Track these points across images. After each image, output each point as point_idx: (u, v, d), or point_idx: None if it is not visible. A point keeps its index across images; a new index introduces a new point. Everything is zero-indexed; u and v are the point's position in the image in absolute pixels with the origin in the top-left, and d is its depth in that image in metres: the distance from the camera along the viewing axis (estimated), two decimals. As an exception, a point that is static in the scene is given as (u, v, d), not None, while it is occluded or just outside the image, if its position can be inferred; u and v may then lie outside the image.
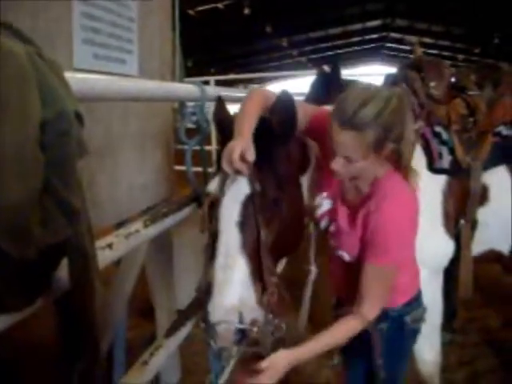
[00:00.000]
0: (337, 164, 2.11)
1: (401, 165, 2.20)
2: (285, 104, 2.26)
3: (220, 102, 2.50)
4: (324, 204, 2.40)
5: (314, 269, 2.60)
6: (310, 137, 2.47)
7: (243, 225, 2.12)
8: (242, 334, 2.06)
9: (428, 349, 3.32)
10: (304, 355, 2.12)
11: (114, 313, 3.68)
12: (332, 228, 2.36)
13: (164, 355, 2.56)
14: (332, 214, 2.37)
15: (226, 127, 2.35)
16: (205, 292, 2.14)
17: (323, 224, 2.42)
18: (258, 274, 2.12)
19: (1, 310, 1.31)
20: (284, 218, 2.24)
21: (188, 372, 4.50)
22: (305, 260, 2.68)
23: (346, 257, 2.30)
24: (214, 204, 2.22)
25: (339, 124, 2.02)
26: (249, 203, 2.13)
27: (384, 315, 2.30)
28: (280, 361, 2.05)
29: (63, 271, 1.53)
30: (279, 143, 2.26)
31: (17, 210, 1.14)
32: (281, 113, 2.25)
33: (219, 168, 2.24)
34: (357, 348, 2.34)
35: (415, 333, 2.55)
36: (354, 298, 2.25)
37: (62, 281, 1.55)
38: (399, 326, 2.42)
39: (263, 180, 2.15)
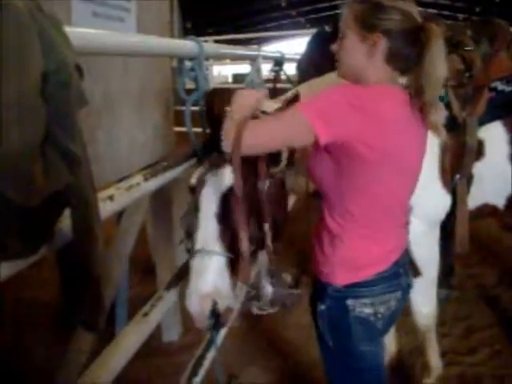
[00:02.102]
0: (335, 45, 2.15)
1: (422, 103, 2.08)
2: None
3: (212, 95, 2.50)
4: None
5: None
6: None
7: (221, 216, 2.19)
8: (216, 319, 2.17)
9: (425, 301, 3.37)
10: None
11: (116, 269, 3.72)
12: None
13: (165, 307, 2.60)
14: None
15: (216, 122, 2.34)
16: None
17: None
18: (234, 264, 2.20)
19: (5, 257, 1.34)
20: (264, 208, 2.29)
21: (188, 329, 4.56)
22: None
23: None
24: (195, 193, 2.29)
25: (345, 3, 2.12)
26: (227, 196, 2.20)
27: (324, 293, 2.22)
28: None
29: (65, 222, 1.56)
30: None
31: (19, 158, 1.17)
32: None
33: (203, 158, 2.31)
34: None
35: (370, 327, 2.22)
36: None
37: (64, 231, 1.58)
38: (341, 310, 2.19)
39: (245, 173, 2.15)
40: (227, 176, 2.20)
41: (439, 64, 2.02)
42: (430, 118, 2.08)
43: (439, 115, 2.09)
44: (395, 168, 2.07)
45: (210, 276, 2.14)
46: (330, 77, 2.61)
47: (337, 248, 2.16)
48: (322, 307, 2.22)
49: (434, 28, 2.02)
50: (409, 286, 2.36)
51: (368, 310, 2.17)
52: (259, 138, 2.02)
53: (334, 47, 2.16)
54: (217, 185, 2.22)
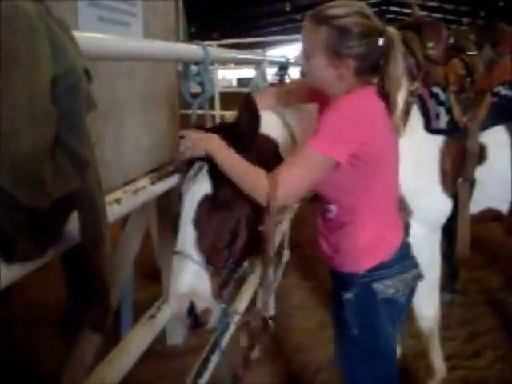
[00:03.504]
0: (298, 58, 2.29)
1: (390, 109, 2.20)
2: (249, 107, 2.37)
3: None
4: None
5: (287, 252, 2.65)
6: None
7: (198, 222, 2.25)
8: (195, 319, 2.23)
9: (427, 305, 3.38)
10: (223, 153, 2.24)
11: (121, 273, 3.73)
12: None
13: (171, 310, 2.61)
14: None
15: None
16: None
17: None
18: (213, 268, 2.25)
19: (14, 259, 1.35)
20: (238, 218, 2.34)
21: (193, 332, 4.57)
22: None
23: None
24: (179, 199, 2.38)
25: (307, 17, 2.17)
26: (206, 203, 2.27)
27: (349, 283, 2.32)
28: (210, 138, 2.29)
29: (72, 225, 1.57)
30: (243, 147, 2.34)
31: (30, 160, 1.18)
32: (246, 116, 2.36)
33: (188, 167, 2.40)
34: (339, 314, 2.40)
35: (394, 305, 2.38)
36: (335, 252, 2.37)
37: (72, 233, 1.59)
38: (368, 296, 2.32)
39: (220, 182, 2.27)
40: (204, 184, 2.29)
41: (401, 67, 2.18)
42: (393, 117, 2.21)
43: (399, 115, 2.25)
44: (388, 161, 2.25)
45: (187, 277, 2.20)
46: None
47: (354, 239, 2.29)
48: (349, 296, 2.31)
49: (394, 32, 2.16)
50: (418, 265, 2.49)
51: (391, 290, 2.32)
52: (290, 191, 2.16)
53: (299, 61, 2.24)
54: (195, 193, 2.29)
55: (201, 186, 2.29)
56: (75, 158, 1.34)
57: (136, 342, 2.39)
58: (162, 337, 4.28)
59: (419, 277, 2.47)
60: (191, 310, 2.21)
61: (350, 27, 2.06)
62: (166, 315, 2.61)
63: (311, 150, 2.08)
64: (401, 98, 2.21)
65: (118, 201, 2.01)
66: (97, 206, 1.53)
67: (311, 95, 2.49)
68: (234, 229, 2.33)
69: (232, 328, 3.42)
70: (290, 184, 2.12)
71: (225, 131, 2.38)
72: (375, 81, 2.24)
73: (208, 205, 2.27)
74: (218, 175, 2.25)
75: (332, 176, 2.15)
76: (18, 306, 4.60)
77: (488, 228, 6.00)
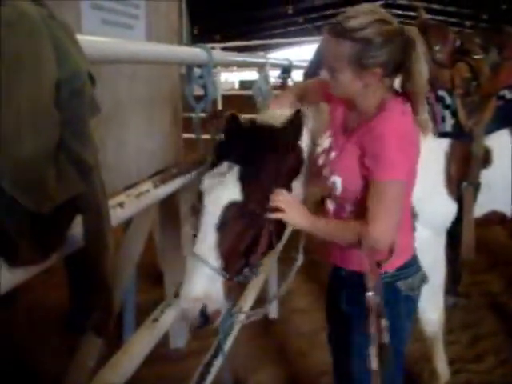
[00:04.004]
0: (323, 73, 2.23)
1: (414, 107, 2.21)
2: (298, 121, 2.42)
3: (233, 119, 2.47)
4: (325, 142, 2.43)
5: (301, 257, 2.64)
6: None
7: (221, 228, 2.24)
8: (206, 319, 2.24)
9: (432, 308, 3.37)
10: (312, 222, 2.29)
11: (123, 276, 3.73)
12: (328, 159, 2.36)
13: (174, 313, 2.61)
14: (331, 147, 2.38)
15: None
16: None
17: (320, 162, 2.41)
18: (228, 272, 2.26)
19: (17, 263, 1.35)
20: (260, 228, 2.33)
21: (195, 335, 4.57)
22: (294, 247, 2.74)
23: (338, 184, 2.26)
24: (200, 200, 2.35)
25: (326, 30, 2.12)
26: (231, 209, 2.24)
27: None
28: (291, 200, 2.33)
29: (76, 229, 1.57)
30: (278, 159, 2.36)
31: (33, 165, 1.18)
32: (294, 128, 2.41)
33: (215, 160, 2.38)
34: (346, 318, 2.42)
35: (412, 302, 2.45)
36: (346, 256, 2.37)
37: (75, 237, 1.59)
38: (393, 294, 2.34)
39: (251, 191, 2.26)
40: (233, 191, 2.25)
41: (424, 64, 2.16)
42: (420, 117, 2.21)
43: (426, 114, 2.25)
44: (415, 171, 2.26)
45: (202, 281, 2.20)
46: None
47: None
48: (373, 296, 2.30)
49: (413, 30, 2.15)
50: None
51: (412, 287, 2.39)
52: (393, 221, 2.16)
53: (323, 75, 2.22)
54: (220, 196, 2.25)
55: (228, 191, 2.25)
56: (79, 162, 1.34)
57: (139, 345, 2.38)
58: (164, 340, 4.27)
59: (425, 278, 2.48)
60: (202, 311, 2.22)
61: (373, 38, 2.04)
62: (169, 318, 2.60)
63: (387, 182, 2.10)
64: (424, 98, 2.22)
65: (121, 205, 2.01)
66: (101, 210, 1.53)
67: (326, 95, 2.48)
68: (254, 238, 2.32)
69: (235, 331, 3.41)
70: (386, 222, 2.13)
71: (267, 135, 2.37)
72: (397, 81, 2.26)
73: (234, 212, 2.24)
74: (248, 182, 2.25)
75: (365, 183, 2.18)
76: (20, 309, 4.60)
77: (491, 231, 6.00)
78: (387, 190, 2.10)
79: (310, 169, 2.54)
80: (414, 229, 2.52)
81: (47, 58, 1.22)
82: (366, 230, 2.11)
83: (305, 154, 2.57)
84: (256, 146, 2.31)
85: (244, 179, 2.25)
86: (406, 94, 2.21)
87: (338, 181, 2.25)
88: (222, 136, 2.47)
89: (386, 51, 2.06)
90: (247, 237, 2.29)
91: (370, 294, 2.21)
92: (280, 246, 2.48)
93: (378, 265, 2.21)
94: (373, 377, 2.20)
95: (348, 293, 2.46)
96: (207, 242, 2.23)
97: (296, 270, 2.64)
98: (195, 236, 2.32)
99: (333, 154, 2.32)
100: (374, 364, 2.20)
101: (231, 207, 2.24)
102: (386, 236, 2.14)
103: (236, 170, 2.26)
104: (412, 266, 2.40)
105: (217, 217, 2.24)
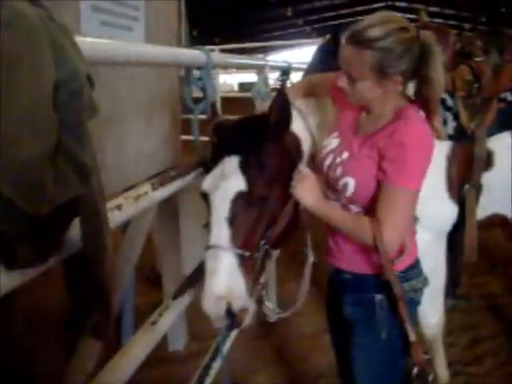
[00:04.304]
0: (341, 81, 2.20)
1: (429, 113, 2.22)
2: (282, 104, 2.35)
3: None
4: (332, 142, 2.41)
5: (311, 255, 2.63)
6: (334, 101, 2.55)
7: (232, 220, 2.22)
8: (232, 319, 2.20)
9: (432, 311, 3.37)
10: (321, 205, 2.28)
11: (122, 278, 3.73)
12: (338, 160, 2.34)
13: (172, 316, 2.60)
14: (340, 148, 2.36)
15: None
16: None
17: (327, 162, 2.39)
18: (247, 266, 2.23)
19: (15, 266, 1.34)
20: (274, 213, 2.32)
21: (194, 337, 4.57)
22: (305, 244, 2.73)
23: (350, 185, 2.25)
24: (207, 198, 2.34)
25: (345, 39, 2.12)
26: (238, 200, 2.23)
27: (378, 284, 2.29)
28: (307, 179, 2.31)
29: (74, 231, 1.56)
30: (273, 142, 2.35)
31: (31, 167, 1.17)
32: (278, 113, 2.34)
33: (212, 163, 2.37)
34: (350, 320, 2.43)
35: (414, 304, 2.44)
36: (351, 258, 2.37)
37: (73, 240, 1.58)
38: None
39: (254, 178, 2.25)
40: (237, 181, 2.24)
41: (440, 69, 2.17)
42: (435, 124, 2.23)
43: (440, 120, 2.24)
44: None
45: (224, 278, 2.17)
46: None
47: None
48: (379, 297, 2.31)
49: (429, 35, 2.16)
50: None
51: (415, 290, 2.39)
52: (403, 228, 2.18)
53: (342, 85, 2.20)
54: (227, 190, 2.24)
55: (233, 183, 2.24)
56: (77, 164, 1.33)
57: (137, 348, 2.37)
58: (163, 343, 4.26)
59: (426, 283, 2.47)
60: (229, 311, 2.18)
61: (394, 47, 2.05)
62: (168, 321, 2.59)
63: (403, 189, 2.11)
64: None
65: (119, 207, 2.00)
66: (99, 212, 1.52)
67: (333, 92, 2.48)
68: (268, 222, 2.31)
69: (234, 334, 3.41)
70: (397, 230, 2.14)
71: (255, 122, 2.39)
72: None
73: (242, 202, 2.24)
74: (250, 170, 2.24)
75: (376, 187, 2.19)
76: (19, 311, 4.59)
77: (490, 233, 5.99)
78: (403, 197, 2.11)
79: (310, 165, 2.53)
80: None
81: (45, 59, 1.22)
82: (379, 232, 2.11)
83: (304, 145, 2.59)
84: (248, 134, 2.33)
85: (245, 167, 2.25)
86: (419, 101, 2.23)
87: (351, 182, 2.24)
88: (215, 138, 2.48)
89: (406, 59, 2.08)
90: (260, 223, 2.28)
91: (396, 286, 2.23)
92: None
93: (392, 262, 2.23)
94: (414, 348, 2.25)
95: (352, 296, 2.45)
96: (221, 235, 2.21)
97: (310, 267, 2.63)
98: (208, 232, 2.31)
99: (345, 155, 2.31)
100: (413, 336, 2.24)
101: (239, 198, 2.23)
102: (397, 240, 2.16)
103: (235, 160, 2.26)
104: (415, 268, 2.40)
105: (227, 210, 2.23)
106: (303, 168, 2.36)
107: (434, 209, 3.02)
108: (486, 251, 5.87)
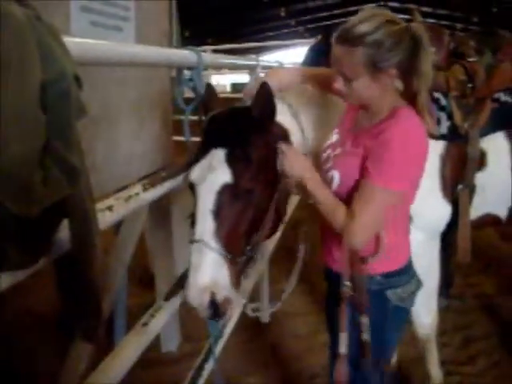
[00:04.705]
0: (337, 83, 2.19)
1: (417, 105, 2.20)
2: (265, 97, 2.34)
3: (209, 89, 2.62)
4: (333, 137, 2.45)
5: (302, 247, 2.64)
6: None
7: (217, 213, 2.23)
8: (215, 309, 2.22)
9: (425, 311, 3.37)
10: (310, 175, 2.28)
11: (114, 279, 3.72)
12: (331, 154, 2.37)
13: (164, 317, 2.59)
14: (337, 143, 2.39)
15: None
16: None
17: (325, 155, 2.43)
18: (231, 258, 2.24)
19: (4, 268, 1.33)
20: (259, 206, 2.33)
21: (187, 338, 4.56)
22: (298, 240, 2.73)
23: (336, 178, 2.27)
24: (194, 189, 2.35)
25: (335, 39, 2.13)
26: (224, 192, 2.24)
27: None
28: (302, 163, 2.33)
29: (64, 232, 1.56)
30: (259, 135, 2.35)
31: (19, 169, 1.16)
32: (261, 105, 2.34)
33: (199, 155, 2.37)
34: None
35: (403, 312, 2.42)
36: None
37: (62, 241, 1.57)
38: (382, 302, 2.32)
39: (240, 171, 2.25)
40: (222, 174, 2.25)
41: (429, 59, 2.16)
42: (427, 119, 2.21)
43: (429, 119, 2.25)
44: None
45: (207, 269, 2.18)
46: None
47: (380, 240, 2.25)
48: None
49: (418, 26, 2.14)
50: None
51: (401, 298, 2.34)
52: (373, 227, 2.17)
53: (339, 86, 2.20)
54: (212, 182, 2.25)
55: (219, 175, 2.25)
56: (65, 165, 1.32)
57: (129, 350, 2.36)
58: (156, 344, 4.26)
59: (419, 286, 2.46)
60: (212, 301, 2.20)
61: (383, 40, 2.04)
62: (160, 322, 2.58)
63: (381, 188, 2.09)
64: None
65: (109, 208, 1.99)
66: (87, 214, 1.51)
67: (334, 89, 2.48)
68: (254, 217, 2.31)
69: (227, 335, 3.40)
70: (366, 227, 2.13)
71: (243, 114, 2.39)
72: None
73: (228, 194, 2.24)
74: (237, 163, 2.24)
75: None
76: (9, 314, 4.57)
77: (483, 233, 6.01)
78: (378, 196, 2.10)
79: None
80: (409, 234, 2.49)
81: (32, 59, 1.21)
82: (346, 224, 2.13)
83: (293, 137, 2.59)
84: (236, 127, 2.33)
85: (231, 160, 2.25)
86: (408, 95, 2.22)
87: (336, 175, 2.27)
88: (205, 129, 2.49)
89: (399, 51, 2.07)
90: (245, 217, 2.29)
91: (345, 283, 2.24)
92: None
93: (362, 260, 2.23)
94: (339, 361, 2.26)
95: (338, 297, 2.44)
96: (206, 227, 2.21)
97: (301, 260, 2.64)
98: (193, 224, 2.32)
99: (338, 150, 2.34)
100: (343, 349, 2.25)
101: (225, 190, 2.24)
102: (361, 236, 2.15)
103: (221, 153, 2.27)
104: (404, 274, 2.37)
105: (212, 202, 2.23)
106: (281, 145, 2.37)
107: (428, 208, 3.01)
108: (479, 251, 5.87)
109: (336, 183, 2.27)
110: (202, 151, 2.35)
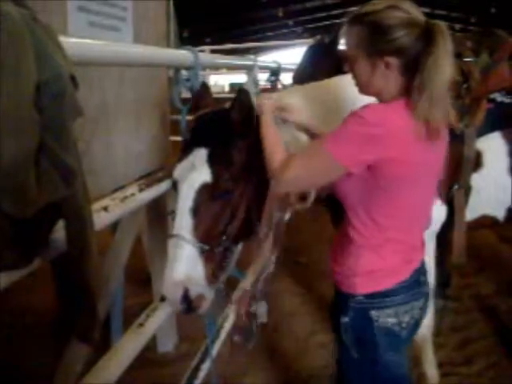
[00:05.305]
0: (346, 66, 2.18)
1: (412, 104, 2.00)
2: (242, 103, 2.41)
3: (204, 87, 2.72)
4: None
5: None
6: None
7: (195, 210, 2.30)
8: (189, 304, 2.29)
9: (421, 313, 3.36)
10: (267, 119, 2.35)
11: (111, 280, 3.71)
12: None
13: (160, 318, 2.59)
14: None
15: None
16: None
17: None
18: (207, 256, 2.31)
19: (0, 268, 1.33)
20: (239, 206, 2.41)
21: (184, 339, 4.55)
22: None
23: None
24: (176, 186, 2.42)
25: (345, 22, 2.14)
26: (203, 191, 2.31)
27: (345, 305, 2.23)
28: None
29: (60, 233, 1.55)
30: (238, 138, 2.42)
31: (13, 169, 1.16)
32: (239, 112, 2.41)
33: (183, 154, 2.43)
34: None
35: (393, 336, 2.23)
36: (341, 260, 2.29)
37: (58, 241, 1.57)
38: (365, 322, 2.20)
39: (220, 171, 2.33)
40: (203, 173, 2.31)
41: (444, 61, 1.96)
42: (430, 120, 1.99)
43: (442, 114, 2.01)
44: (416, 180, 2.09)
45: (183, 264, 2.25)
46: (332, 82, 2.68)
47: (360, 258, 2.19)
48: (346, 319, 2.23)
49: (438, 24, 2.00)
50: (429, 294, 2.41)
51: (392, 320, 2.20)
52: (293, 180, 2.11)
53: (345, 69, 2.20)
54: (193, 181, 2.32)
55: (199, 174, 2.31)
56: (61, 166, 1.32)
57: (125, 350, 2.37)
58: (152, 344, 4.25)
59: (425, 307, 2.35)
60: (185, 296, 2.25)
61: (381, 21, 1.97)
62: (156, 323, 2.58)
63: (326, 150, 2.01)
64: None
65: (105, 208, 2.00)
66: (83, 214, 1.51)
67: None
68: (230, 215, 2.38)
69: (222, 336, 3.40)
70: (295, 172, 2.08)
71: (227, 116, 2.42)
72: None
73: (206, 193, 2.31)
74: (217, 164, 2.31)
75: (354, 185, 2.11)
76: (5, 314, 4.56)
77: (480, 234, 6.00)
78: (320, 157, 2.04)
79: None
80: (420, 250, 2.41)
81: (28, 60, 1.20)
82: (281, 168, 2.10)
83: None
84: (219, 128, 2.40)
85: (212, 162, 2.32)
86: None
87: None
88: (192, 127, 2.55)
89: (398, 39, 1.97)
90: (221, 215, 2.36)
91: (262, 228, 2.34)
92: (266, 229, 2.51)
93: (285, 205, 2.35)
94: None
95: (334, 308, 2.41)
96: (184, 223, 2.28)
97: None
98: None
99: None
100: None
101: (204, 189, 2.31)
102: (289, 185, 2.16)
103: (204, 152, 2.33)
104: (398, 295, 2.20)
105: (191, 200, 2.30)
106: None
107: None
108: (476, 252, 5.89)
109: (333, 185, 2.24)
110: (187, 150, 2.39)
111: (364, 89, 2.17)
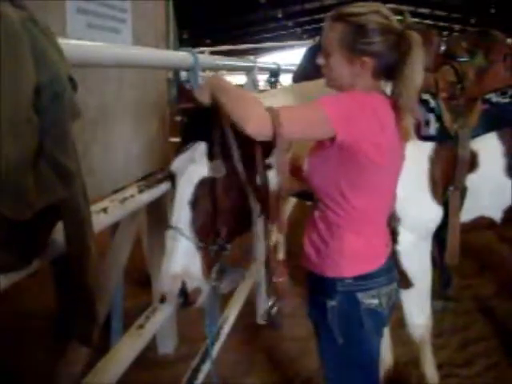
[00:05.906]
0: (319, 58, 2.23)
1: (399, 110, 2.16)
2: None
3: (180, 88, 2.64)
4: None
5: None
6: None
7: (194, 204, 2.30)
8: (185, 298, 2.28)
9: (418, 313, 3.35)
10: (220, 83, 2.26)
11: (110, 281, 3.71)
12: None
13: (160, 319, 2.59)
14: None
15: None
16: None
17: None
18: (203, 246, 2.30)
19: (-1, 270, 1.33)
20: (235, 201, 2.39)
21: (184, 340, 4.55)
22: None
23: (306, 166, 2.28)
24: (174, 181, 2.40)
25: (326, 18, 2.24)
26: (201, 185, 2.30)
27: (332, 290, 2.25)
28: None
29: (59, 234, 1.55)
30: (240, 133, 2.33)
31: (11, 172, 1.16)
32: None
33: (181, 147, 2.42)
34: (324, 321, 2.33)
35: (377, 317, 2.30)
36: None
37: (57, 243, 1.57)
38: (352, 305, 2.24)
39: (219, 164, 2.31)
40: (203, 166, 2.30)
41: (418, 70, 2.14)
42: (402, 122, 2.19)
43: (410, 121, 2.24)
44: (389, 166, 2.19)
45: (180, 258, 2.24)
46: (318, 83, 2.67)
47: (344, 241, 2.22)
48: (333, 303, 2.25)
49: (414, 35, 2.14)
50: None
51: (375, 302, 2.26)
52: (291, 124, 2.06)
53: (319, 61, 2.23)
54: (193, 174, 2.31)
55: (198, 168, 2.30)
56: (59, 168, 1.32)
57: (124, 351, 2.37)
58: (152, 345, 4.25)
59: (397, 291, 2.44)
60: (182, 289, 2.25)
61: (366, 24, 2.09)
62: (155, 324, 2.59)
63: (319, 104, 2.07)
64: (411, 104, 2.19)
65: (105, 210, 2.00)
66: (81, 216, 1.51)
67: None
68: (227, 210, 2.36)
69: (223, 336, 3.40)
70: (293, 117, 2.08)
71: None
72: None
73: (205, 188, 2.30)
74: (216, 158, 2.29)
75: (331, 169, 2.15)
76: (5, 315, 4.56)
77: (480, 235, 6.00)
78: (311, 109, 2.10)
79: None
80: (389, 236, 2.44)
81: (26, 62, 1.20)
82: (268, 111, 2.04)
83: None
84: (215, 122, 2.34)
85: (211, 155, 2.30)
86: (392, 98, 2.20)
87: (307, 163, 2.29)
88: (186, 120, 2.54)
89: (378, 42, 2.10)
90: (219, 210, 2.33)
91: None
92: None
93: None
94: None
95: (311, 297, 2.45)
96: (181, 217, 2.27)
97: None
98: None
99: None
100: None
101: (202, 184, 2.30)
102: (260, 120, 2.05)
103: (203, 146, 2.32)
104: (380, 277, 2.28)
105: (189, 194, 2.29)
106: None
107: (416, 209, 3.01)
108: (476, 253, 5.89)
109: (307, 170, 2.29)
110: (185, 143, 2.39)
111: (332, 82, 2.26)
